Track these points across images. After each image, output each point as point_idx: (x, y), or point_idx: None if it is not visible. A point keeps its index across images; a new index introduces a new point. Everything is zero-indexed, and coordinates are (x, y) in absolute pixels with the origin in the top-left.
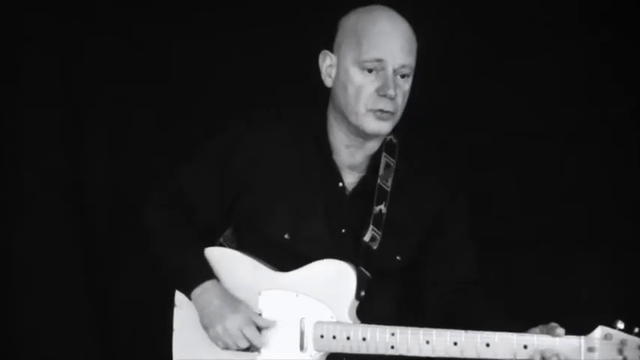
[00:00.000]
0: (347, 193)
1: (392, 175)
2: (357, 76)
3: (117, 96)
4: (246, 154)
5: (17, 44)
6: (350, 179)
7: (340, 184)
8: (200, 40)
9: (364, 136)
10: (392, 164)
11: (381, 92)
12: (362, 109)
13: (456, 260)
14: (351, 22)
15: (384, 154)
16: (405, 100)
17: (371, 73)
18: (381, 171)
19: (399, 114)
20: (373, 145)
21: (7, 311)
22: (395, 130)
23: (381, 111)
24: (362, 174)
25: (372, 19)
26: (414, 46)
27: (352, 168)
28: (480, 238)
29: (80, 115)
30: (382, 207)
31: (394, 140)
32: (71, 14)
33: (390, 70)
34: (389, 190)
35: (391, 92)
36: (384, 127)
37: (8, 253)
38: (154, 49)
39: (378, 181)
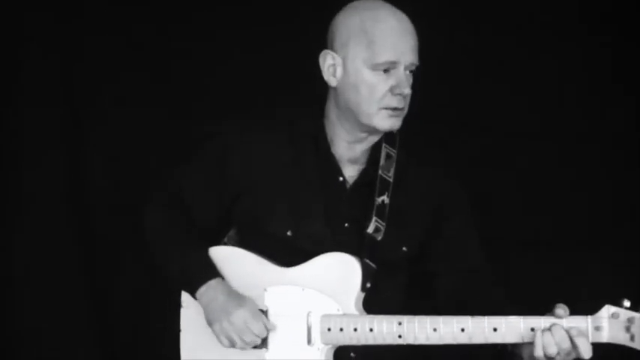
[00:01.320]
0: (347, 186)
1: (393, 165)
2: (370, 77)
3: (117, 96)
4: (245, 155)
5: (17, 44)
6: (350, 172)
7: (340, 179)
8: (200, 40)
9: (373, 132)
10: (393, 154)
11: (396, 91)
12: (375, 108)
13: (461, 250)
14: (355, 21)
15: (384, 144)
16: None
17: (385, 72)
18: (382, 161)
19: (406, 109)
20: (375, 138)
21: (7, 311)
22: None
23: (395, 109)
24: (362, 166)
25: (379, 18)
26: (417, 41)
27: (352, 161)
28: (480, 238)
29: (80, 115)
30: (385, 197)
31: (394, 131)
32: (71, 14)
33: (402, 69)
34: (391, 180)
35: (406, 90)
36: (397, 123)
37: (8, 253)
38: (154, 49)
39: (380, 172)
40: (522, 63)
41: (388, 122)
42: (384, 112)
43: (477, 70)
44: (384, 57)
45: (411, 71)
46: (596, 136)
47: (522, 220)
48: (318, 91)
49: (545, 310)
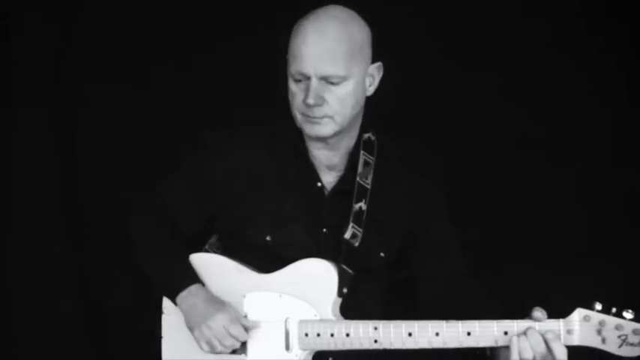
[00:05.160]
0: (326, 192)
1: (371, 172)
2: (292, 86)
3: (117, 96)
4: (225, 166)
5: (13, 43)
6: (328, 179)
7: (319, 184)
8: (200, 40)
9: (316, 139)
10: (371, 162)
11: (304, 101)
12: (300, 115)
13: (442, 255)
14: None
15: (362, 152)
16: (347, 102)
17: (301, 82)
18: (360, 169)
19: (338, 117)
20: (347, 144)
21: (5, 311)
22: (374, 128)
23: (309, 116)
24: (340, 173)
25: (298, 30)
26: (344, 51)
27: (330, 168)
28: (479, 242)
29: (77, 115)
30: (362, 204)
31: (372, 138)
32: (70, 14)
33: (313, 80)
34: (369, 187)
35: (309, 101)
36: (322, 130)
37: (7, 253)
38: (154, 49)
39: (357, 178)
40: (521, 64)
41: (312, 129)
42: (305, 118)
43: (474, 71)
44: (293, 68)
45: (331, 82)
46: (595, 137)
47: (521, 223)
48: None
49: (524, 314)
